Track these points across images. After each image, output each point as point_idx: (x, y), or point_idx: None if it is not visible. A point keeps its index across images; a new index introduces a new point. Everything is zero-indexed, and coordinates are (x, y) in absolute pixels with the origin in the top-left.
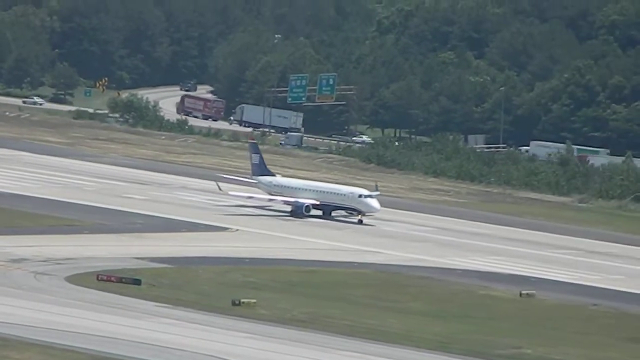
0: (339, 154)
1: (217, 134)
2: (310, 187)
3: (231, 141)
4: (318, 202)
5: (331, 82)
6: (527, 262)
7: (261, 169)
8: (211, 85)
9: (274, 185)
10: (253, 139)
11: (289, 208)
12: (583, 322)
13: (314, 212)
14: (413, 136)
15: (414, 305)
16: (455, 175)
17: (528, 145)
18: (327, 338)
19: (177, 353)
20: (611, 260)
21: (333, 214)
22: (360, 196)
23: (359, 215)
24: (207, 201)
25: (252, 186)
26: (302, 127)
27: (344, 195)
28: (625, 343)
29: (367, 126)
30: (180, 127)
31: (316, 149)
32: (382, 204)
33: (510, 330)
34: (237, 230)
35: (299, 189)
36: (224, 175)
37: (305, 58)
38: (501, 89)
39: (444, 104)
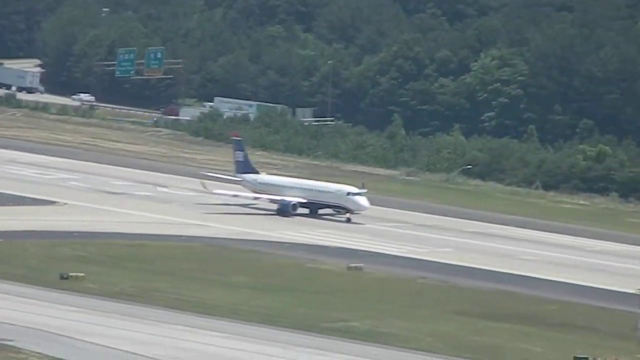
0: (167, 127)
1: (45, 107)
2: (296, 184)
3: (60, 115)
4: (305, 200)
5: (159, 55)
6: (355, 235)
7: (245, 167)
8: (39, 59)
9: (259, 183)
10: (237, 136)
11: (274, 206)
12: (411, 295)
13: (300, 210)
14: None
15: (242, 279)
16: (283, 148)
17: (212, 102)
18: (155, 311)
19: (5, 327)
20: (439, 233)
21: (320, 212)
22: (348, 194)
23: (347, 214)
24: (36, 175)
25: (236, 184)
26: (42, 86)
27: (332, 193)
28: (453, 316)
29: (195, 99)
30: (8, 101)
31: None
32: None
33: (338, 303)
34: (65, 204)
35: (285, 186)
36: (208, 173)
37: (134, 32)
38: (329, 62)
39: (272, 77)
